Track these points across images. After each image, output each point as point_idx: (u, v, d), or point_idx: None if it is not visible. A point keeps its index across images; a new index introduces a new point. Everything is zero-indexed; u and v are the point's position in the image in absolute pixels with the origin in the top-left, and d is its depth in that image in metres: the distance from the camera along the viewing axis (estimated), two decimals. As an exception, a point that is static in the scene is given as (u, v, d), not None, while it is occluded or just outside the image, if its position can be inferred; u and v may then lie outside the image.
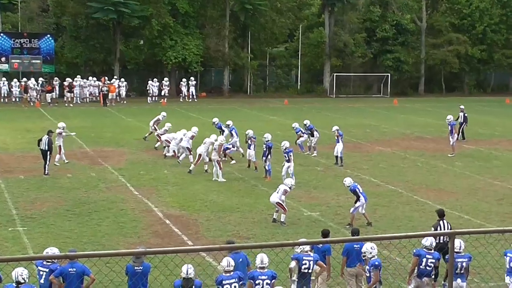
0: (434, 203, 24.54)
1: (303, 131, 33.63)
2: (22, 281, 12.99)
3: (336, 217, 22.80)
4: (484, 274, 16.24)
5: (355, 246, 15.29)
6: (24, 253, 18.48)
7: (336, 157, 31.20)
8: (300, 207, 23.91)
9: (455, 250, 14.38)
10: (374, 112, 52.35)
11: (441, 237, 15.91)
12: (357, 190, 21.43)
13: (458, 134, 37.51)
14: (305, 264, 14.41)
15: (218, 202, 24.45)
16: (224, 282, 13.58)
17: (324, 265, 14.81)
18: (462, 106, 39.39)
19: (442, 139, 36.84)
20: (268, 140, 28.31)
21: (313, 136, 33.61)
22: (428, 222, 22.07)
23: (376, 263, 14.47)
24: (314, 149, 33.53)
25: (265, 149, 28.06)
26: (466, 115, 38.62)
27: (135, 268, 14.00)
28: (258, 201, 24.58)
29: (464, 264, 14.81)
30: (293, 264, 14.55)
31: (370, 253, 14.56)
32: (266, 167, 27.99)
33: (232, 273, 13.70)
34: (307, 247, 14.54)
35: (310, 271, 14.48)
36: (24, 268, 13.10)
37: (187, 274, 13.49)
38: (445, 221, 16.97)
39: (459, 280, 14.72)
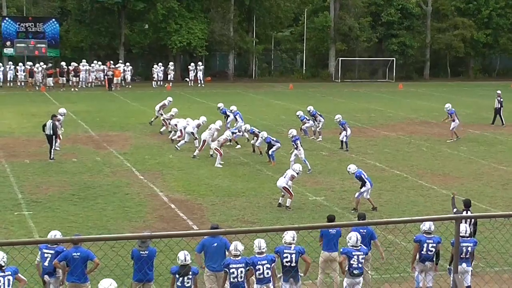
0: (439, 188, 24.55)
1: (308, 118, 33.59)
2: (3, 264, 13.03)
3: (341, 201, 22.81)
4: (489, 258, 16.26)
5: (361, 230, 15.27)
6: (29, 237, 18.53)
7: (341, 141, 31.19)
8: (305, 191, 23.92)
9: (461, 234, 14.39)
10: (379, 96, 52.26)
11: (469, 224, 15.90)
12: (362, 176, 21.45)
13: (494, 120, 37.77)
14: (286, 257, 14.05)
15: (223, 187, 24.47)
16: (231, 266, 13.61)
17: (309, 260, 14.40)
18: (498, 91, 39.28)
19: (447, 124, 36.73)
20: (266, 137, 28.28)
21: (316, 121, 33.57)
22: (433, 207, 22.12)
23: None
24: (319, 133, 33.51)
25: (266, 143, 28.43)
26: (502, 100, 38.51)
27: (141, 252, 14.04)
28: (263, 186, 24.60)
29: (469, 248, 14.80)
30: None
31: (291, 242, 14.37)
32: (270, 152, 28.06)
33: (240, 257, 13.71)
34: (289, 239, 14.22)
35: (293, 264, 14.07)
36: (4, 252, 13.07)
37: (184, 260, 13.54)
38: (469, 212, 16.91)
39: (464, 265, 14.73)
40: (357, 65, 69.38)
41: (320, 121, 33.50)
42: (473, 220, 16.60)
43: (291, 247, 14.09)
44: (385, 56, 67.83)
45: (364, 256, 14.30)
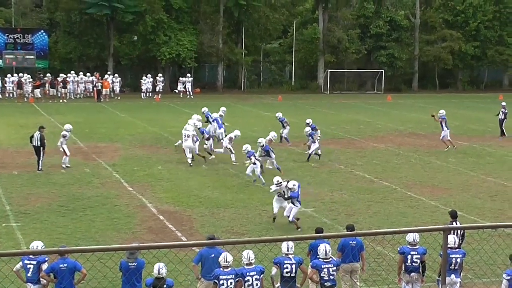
0: (428, 199, 24.60)
1: (287, 122, 34.40)
2: None
3: (330, 213, 22.82)
4: (477, 269, 16.29)
5: (351, 242, 15.28)
6: (17, 248, 18.43)
7: (309, 154, 30.91)
8: (294, 203, 23.87)
9: (449, 245, 14.40)
10: (368, 108, 52.39)
11: (457, 235, 15.89)
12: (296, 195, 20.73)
13: (502, 132, 38.29)
14: (287, 268, 14.09)
15: (212, 198, 24.44)
16: (221, 277, 13.58)
17: (307, 270, 14.44)
18: (503, 103, 39.64)
19: (436, 135, 36.82)
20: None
21: (284, 128, 34.51)
22: (422, 218, 22.16)
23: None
24: (286, 140, 34.44)
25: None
26: (506, 111, 38.78)
27: (129, 264, 14.00)
28: (252, 197, 24.59)
29: (458, 260, 14.83)
30: (274, 271, 14.33)
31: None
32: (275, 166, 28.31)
33: (229, 268, 13.69)
34: (291, 250, 14.24)
35: (292, 275, 14.13)
36: None
37: (158, 273, 13.52)
38: (458, 222, 16.94)
39: (453, 276, 14.75)
40: (346, 77, 69.55)
41: (287, 128, 34.49)
42: (461, 231, 16.63)
43: (290, 258, 14.13)
44: (374, 68, 68.06)
45: (335, 268, 14.25)
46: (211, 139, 31.53)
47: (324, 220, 21.78)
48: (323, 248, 14.18)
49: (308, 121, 33.43)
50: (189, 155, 29.72)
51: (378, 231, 8.38)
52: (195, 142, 29.98)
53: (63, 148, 28.58)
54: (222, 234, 20.26)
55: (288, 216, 20.84)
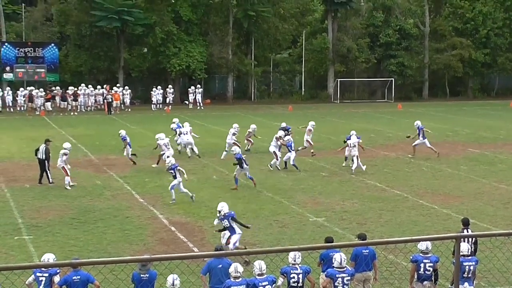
0: (440, 208, 24.51)
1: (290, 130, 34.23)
2: None
3: (342, 222, 22.77)
4: (490, 277, 16.21)
5: (364, 251, 15.24)
6: (30, 261, 18.47)
7: (286, 162, 31.26)
8: (306, 212, 23.89)
9: (462, 253, 14.35)
10: (379, 117, 52.33)
11: (470, 243, 15.81)
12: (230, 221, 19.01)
13: None
14: (293, 277, 14.09)
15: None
16: (232, 288, 13.58)
17: (314, 280, 14.44)
18: None
19: (447, 143, 36.78)
20: (236, 153, 27.68)
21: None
22: (434, 227, 22.08)
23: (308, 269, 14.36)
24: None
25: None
26: None
27: (141, 275, 14.00)
28: (263, 207, 24.57)
29: (471, 267, 14.76)
30: (280, 281, 14.29)
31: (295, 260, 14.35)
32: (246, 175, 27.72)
33: (240, 279, 13.67)
34: (298, 259, 14.24)
35: (300, 285, 14.13)
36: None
37: (173, 285, 13.52)
38: (469, 230, 16.87)
39: (466, 284, 14.68)
40: (356, 86, 69.50)
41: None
42: (473, 239, 16.57)
43: (297, 267, 14.11)
44: (384, 76, 68.01)
45: (349, 277, 14.22)
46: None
47: (336, 229, 21.74)
48: (339, 257, 14.16)
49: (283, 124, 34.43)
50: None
51: (390, 240, 8.38)
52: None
53: (64, 168, 27.66)
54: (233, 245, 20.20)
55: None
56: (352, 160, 30.67)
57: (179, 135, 34.93)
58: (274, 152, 31.55)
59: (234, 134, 34.21)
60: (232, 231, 18.86)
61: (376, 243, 13.02)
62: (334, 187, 27.86)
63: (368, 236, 17.43)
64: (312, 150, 34.42)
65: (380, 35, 67.56)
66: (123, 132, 32.93)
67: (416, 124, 34.60)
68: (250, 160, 33.21)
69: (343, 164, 31.77)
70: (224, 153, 33.63)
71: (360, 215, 23.55)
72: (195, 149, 34.28)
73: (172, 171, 25.42)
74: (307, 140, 34.42)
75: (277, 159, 31.34)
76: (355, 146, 30.77)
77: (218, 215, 19.11)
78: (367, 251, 15.32)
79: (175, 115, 51.14)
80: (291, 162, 30.94)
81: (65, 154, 27.99)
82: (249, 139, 35.69)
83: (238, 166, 27.44)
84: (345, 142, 31.46)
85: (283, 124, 35.10)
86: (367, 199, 25.74)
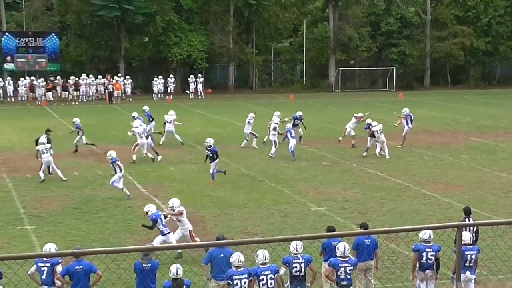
0: (441, 197, 24.52)
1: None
2: None
3: (343, 211, 22.79)
4: (492, 266, 16.23)
5: (366, 240, 15.25)
6: (32, 251, 18.52)
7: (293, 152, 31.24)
8: (307, 202, 23.91)
9: (464, 242, 14.35)
10: (380, 106, 52.26)
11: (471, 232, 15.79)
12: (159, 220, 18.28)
13: None
14: (295, 267, 14.08)
15: (225, 198, 24.46)
16: (234, 277, 13.59)
17: (315, 269, 14.43)
18: None
19: (448, 132, 36.76)
20: (211, 146, 26.78)
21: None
22: (435, 216, 22.10)
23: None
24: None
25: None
26: None
27: (143, 265, 14.03)
28: (265, 197, 24.59)
29: (473, 256, 14.77)
30: (282, 271, 14.25)
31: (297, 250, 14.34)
32: (210, 171, 26.76)
33: (242, 268, 13.69)
34: (299, 249, 14.24)
35: (302, 273, 14.12)
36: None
37: (176, 274, 13.54)
38: (471, 219, 16.88)
39: (468, 273, 14.69)
40: (357, 75, 69.43)
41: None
42: (475, 228, 16.57)
43: (299, 257, 14.11)
44: (385, 65, 67.92)
45: (352, 267, 14.22)
46: (149, 137, 31.89)
47: (337, 218, 21.76)
48: (342, 247, 14.16)
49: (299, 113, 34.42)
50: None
51: (392, 229, 8.38)
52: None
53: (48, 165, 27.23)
54: (235, 234, 20.28)
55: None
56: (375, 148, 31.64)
57: (150, 121, 35.35)
58: (275, 141, 31.55)
59: (249, 123, 34.13)
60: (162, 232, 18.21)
61: (378, 232, 13.01)
62: (336, 177, 27.87)
63: (370, 225, 17.45)
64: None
65: (381, 23, 67.43)
66: (77, 120, 33.09)
67: (404, 111, 34.41)
68: (249, 150, 33.28)
69: (364, 154, 31.70)
70: (244, 141, 33.92)
71: (362, 205, 23.57)
72: (177, 137, 34.57)
73: (112, 165, 24.89)
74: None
75: (276, 148, 31.34)
76: (381, 132, 31.30)
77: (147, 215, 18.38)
78: (369, 240, 15.33)
79: (176, 105, 51.17)
80: (290, 150, 31.05)
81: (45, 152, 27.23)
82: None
83: (210, 160, 26.49)
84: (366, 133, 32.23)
85: (299, 113, 34.95)
86: (368, 188, 25.76)
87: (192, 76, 59.85)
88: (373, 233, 12.16)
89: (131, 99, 56.09)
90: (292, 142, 31.27)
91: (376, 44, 67.60)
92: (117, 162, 24.63)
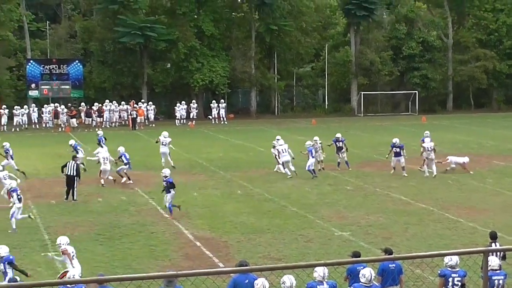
0: (465, 221, 24.34)
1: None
2: None
3: (367, 236, 22.67)
4: (519, 292, 16.03)
5: (391, 266, 15.15)
6: (56, 278, 18.55)
7: (311, 170, 31.91)
8: (331, 227, 23.82)
9: (491, 267, 14.21)
10: (403, 130, 52.11)
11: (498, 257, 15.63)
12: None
13: None
14: None
15: (248, 224, 24.43)
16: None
17: None
18: None
19: (472, 156, 36.51)
20: (166, 176, 25.90)
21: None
22: (460, 240, 21.92)
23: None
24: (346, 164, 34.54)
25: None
26: None
27: (167, 291, 13.99)
28: (288, 222, 24.52)
29: (500, 281, 14.62)
30: None
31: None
32: (166, 204, 25.73)
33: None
34: (324, 275, 14.15)
35: None
36: None
37: None
38: (497, 244, 16.72)
39: (495, 299, 14.53)
40: (379, 99, 69.36)
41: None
42: (501, 253, 16.41)
43: (323, 283, 14.04)
44: (407, 89, 67.79)
45: None
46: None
47: (361, 243, 21.65)
48: (368, 273, 14.06)
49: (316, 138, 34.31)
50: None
51: (418, 254, 8.33)
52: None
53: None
54: (258, 259, 20.23)
55: None
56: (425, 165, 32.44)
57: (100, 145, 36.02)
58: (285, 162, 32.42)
59: (274, 146, 34.12)
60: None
61: (403, 258, 12.93)
62: (359, 201, 27.77)
63: (394, 250, 17.35)
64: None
65: (403, 47, 67.43)
66: (7, 145, 33.50)
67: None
68: (272, 175, 33.22)
69: (391, 172, 32.69)
70: (277, 166, 33.70)
71: (386, 229, 23.45)
72: (170, 160, 34.87)
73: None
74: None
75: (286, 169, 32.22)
76: (432, 149, 31.87)
77: None
78: (394, 265, 15.23)
79: (199, 130, 51.47)
80: (307, 168, 31.70)
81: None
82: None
83: (165, 192, 25.60)
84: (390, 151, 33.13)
85: (339, 135, 35.11)
86: (392, 213, 25.62)
87: (214, 101, 60.07)
88: (398, 258, 12.09)
89: (154, 125, 56.35)
90: (311, 161, 31.88)
91: (398, 68, 67.58)
92: (18, 191, 23.98)
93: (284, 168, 32.45)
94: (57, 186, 30.82)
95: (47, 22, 65.97)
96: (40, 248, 21.72)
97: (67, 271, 17.79)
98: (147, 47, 62.20)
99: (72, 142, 36.23)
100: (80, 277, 16.10)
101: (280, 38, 65.89)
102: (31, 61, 60.66)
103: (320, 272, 14.08)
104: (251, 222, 24.61)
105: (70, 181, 28.13)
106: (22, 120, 55.60)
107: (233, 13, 67.16)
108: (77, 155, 31.51)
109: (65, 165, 28.38)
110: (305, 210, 26.22)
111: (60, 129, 54.01)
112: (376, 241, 21.83)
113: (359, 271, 14.56)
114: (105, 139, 37.62)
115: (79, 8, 69.31)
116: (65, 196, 28.06)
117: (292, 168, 32.41)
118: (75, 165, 28.35)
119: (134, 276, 8.21)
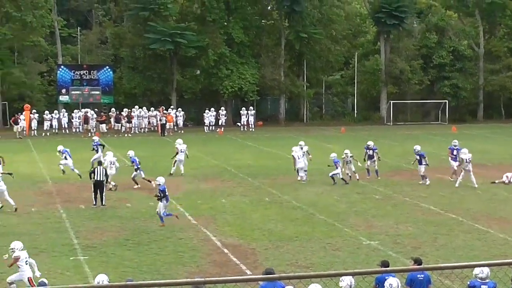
0: (496, 232, 24.09)
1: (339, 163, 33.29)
2: None
3: (396, 246, 22.53)
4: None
5: (419, 276, 15.04)
6: (85, 282, 18.67)
7: (332, 177, 32.25)
8: (359, 235, 23.70)
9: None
10: (432, 139, 51.81)
11: None
12: None
13: None
14: None
15: (275, 231, 24.38)
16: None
17: None
18: None
19: (503, 166, 36.20)
20: (159, 184, 25.55)
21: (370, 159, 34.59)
22: (490, 251, 21.70)
23: None
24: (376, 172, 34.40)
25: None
26: None
27: (195, 298, 13.99)
28: (316, 230, 24.45)
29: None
30: None
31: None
32: (158, 211, 25.32)
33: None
34: (352, 284, 14.07)
35: None
36: None
37: None
38: None
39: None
40: (409, 108, 69.00)
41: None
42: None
43: None
44: (438, 98, 67.38)
45: None
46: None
47: (390, 253, 21.51)
48: (395, 283, 13.98)
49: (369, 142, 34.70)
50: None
51: (447, 265, 8.25)
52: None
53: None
54: (286, 267, 20.18)
55: None
56: (454, 174, 32.74)
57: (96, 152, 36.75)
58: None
59: (302, 153, 34.05)
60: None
61: (433, 268, 12.83)
62: (388, 210, 27.61)
63: (423, 260, 17.20)
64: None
65: (433, 56, 67.08)
66: (61, 148, 34.84)
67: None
68: (300, 183, 33.17)
69: (421, 183, 32.56)
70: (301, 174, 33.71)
71: (415, 239, 23.28)
72: (182, 168, 35.36)
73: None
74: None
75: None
76: (469, 161, 31.79)
77: None
78: (422, 276, 15.11)
79: (227, 137, 51.52)
80: (330, 174, 32.28)
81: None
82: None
83: (159, 201, 25.12)
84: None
85: (371, 143, 34.94)
86: (421, 223, 25.44)
87: (244, 108, 60.15)
88: (428, 269, 11.99)
89: (183, 131, 56.52)
90: (337, 171, 32.22)
91: (428, 77, 67.23)
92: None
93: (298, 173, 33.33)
94: (86, 191, 30.97)
95: (78, 28, 66.55)
96: (69, 252, 21.85)
97: (31, 277, 17.93)
98: (177, 53, 62.46)
99: (60, 148, 35.49)
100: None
101: (309, 46, 65.87)
102: (62, 67, 61.17)
103: (347, 281, 14.02)
104: (279, 230, 24.57)
105: (99, 186, 28.28)
106: (52, 125, 56.05)
107: (263, 21, 67.29)
108: (102, 159, 31.79)
109: (93, 171, 28.53)
110: (333, 218, 26.13)
111: (89, 134, 54.28)
112: (405, 251, 21.68)
113: (420, 279, 14.50)
114: (103, 146, 38.68)
115: (110, 14, 69.86)
116: (94, 202, 28.20)
117: (304, 177, 33.21)
118: (103, 170, 28.51)
119: (162, 282, 8.23)
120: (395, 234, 23.90)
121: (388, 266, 15.47)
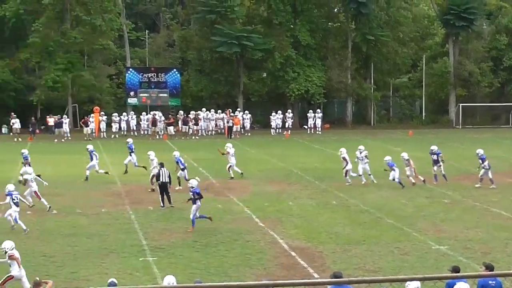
0: None
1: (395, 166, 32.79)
2: None
3: (466, 251, 22.17)
4: None
5: (490, 282, 14.76)
6: (154, 283, 18.89)
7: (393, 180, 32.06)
8: (428, 240, 23.40)
9: None
10: (502, 143, 50.85)
11: None
12: None
13: None
14: None
15: (343, 234, 24.26)
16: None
17: None
18: None
19: None
20: (193, 187, 25.42)
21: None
22: None
23: None
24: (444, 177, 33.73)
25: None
26: None
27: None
28: (383, 234, 24.24)
29: None
30: None
31: None
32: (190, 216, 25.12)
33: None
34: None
35: None
36: None
37: None
38: None
39: None
40: (478, 111, 67.87)
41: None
42: None
43: None
44: (508, 101, 66.07)
45: None
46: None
47: (460, 258, 21.18)
48: None
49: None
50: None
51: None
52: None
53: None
54: (354, 271, 20.05)
55: None
56: None
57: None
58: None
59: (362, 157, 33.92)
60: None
61: (506, 275, 12.57)
62: (457, 215, 27.20)
63: (494, 266, 16.88)
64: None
65: (503, 58, 65.87)
66: (90, 147, 35.56)
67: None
68: (367, 186, 32.92)
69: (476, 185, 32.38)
70: (353, 174, 33.66)
71: (485, 244, 22.87)
72: (231, 171, 35.34)
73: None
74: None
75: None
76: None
77: None
78: (494, 282, 14.81)
79: (294, 140, 51.50)
80: (396, 180, 31.90)
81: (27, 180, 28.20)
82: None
83: (192, 203, 24.99)
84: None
85: (434, 148, 34.57)
86: (491, 228, 24.98)
87: (311, 111, 60.04)
88: (501, 275, 11.75)
89: (249, 134, 56.74)
90: (394, 173, 32.05)
91: (498, 79, 66.04)
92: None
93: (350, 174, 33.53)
94: (155, 192, 31.36)
95: (146, 31, 67.47)
96: (138, 253, 22.13)
97: (12, 276, 18.03)
98: (244, 56, 62.72)
99: (90, 147, 35.95)
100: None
101: (376, 48, 65.40)
102: (131, 69, 62.06)
103: (413, 286, 13.85)
104: (347, 233, 24.44)
105: (165, 188, 28.63)
106: (120, 127, 56.88)
107: (329, 23, 67.09)
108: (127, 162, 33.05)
109: (159, 173, 28.87)
110: (401, 222, 25.86)
111: (157, 137, 54.98)
112: (475, 256, 21.32)
113: (492, 285, 14.26)
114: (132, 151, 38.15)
115: (177, 17, 70.60)
116: (161, 204, 28.50)
117: (349, 180, 33.30)
118: (168, 172, 28.85)
119: (230, 284, 8.28)
120: (465, 239, 23.52)
121: (459, 272, 15.23)
